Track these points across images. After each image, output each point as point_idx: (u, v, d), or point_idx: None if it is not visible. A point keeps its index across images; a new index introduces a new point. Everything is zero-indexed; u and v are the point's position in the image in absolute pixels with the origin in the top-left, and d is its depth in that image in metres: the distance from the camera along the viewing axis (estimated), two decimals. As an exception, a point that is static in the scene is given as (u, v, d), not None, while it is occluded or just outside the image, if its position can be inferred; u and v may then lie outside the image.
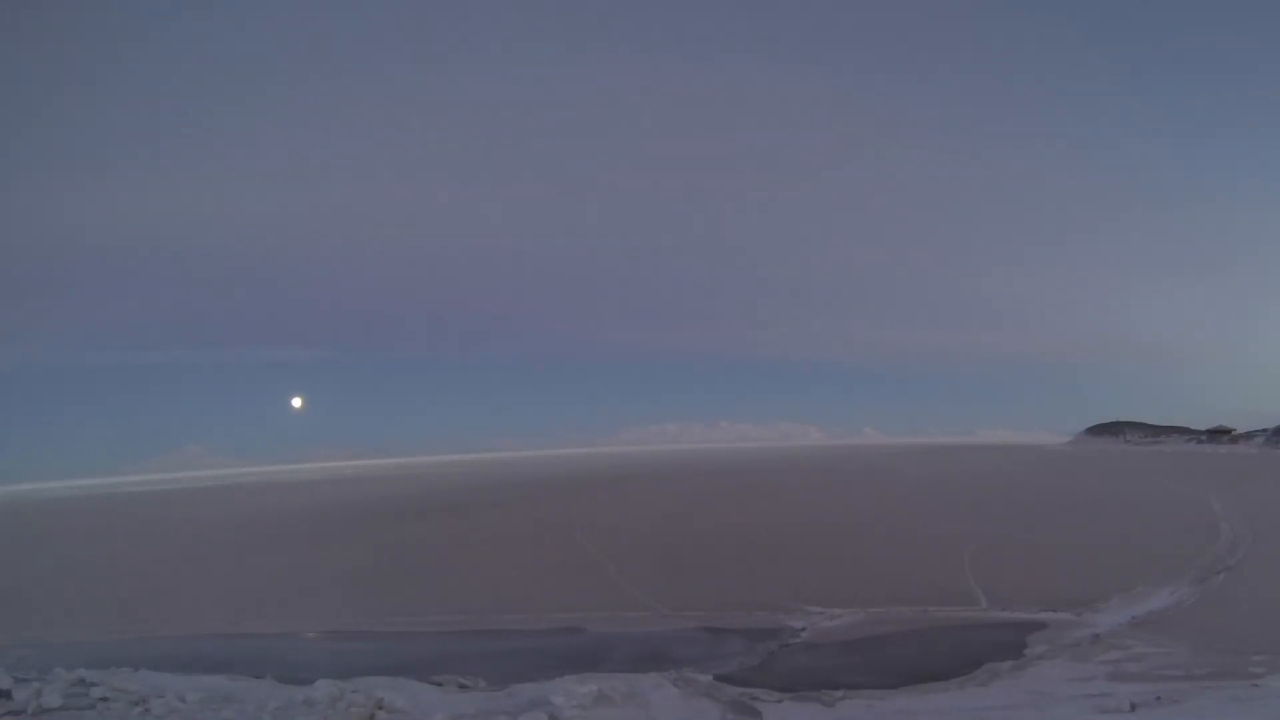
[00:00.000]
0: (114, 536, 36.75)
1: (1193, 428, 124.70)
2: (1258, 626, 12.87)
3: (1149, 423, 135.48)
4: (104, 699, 9.73)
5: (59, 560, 28.45)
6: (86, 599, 19.74)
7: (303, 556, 25.34)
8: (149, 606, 18.13)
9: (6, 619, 17.24)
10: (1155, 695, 9.35)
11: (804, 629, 13.75)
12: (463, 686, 10.79)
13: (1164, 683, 10.02)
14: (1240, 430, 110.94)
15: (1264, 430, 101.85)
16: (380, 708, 9.47)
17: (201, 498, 66.66)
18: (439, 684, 10.85)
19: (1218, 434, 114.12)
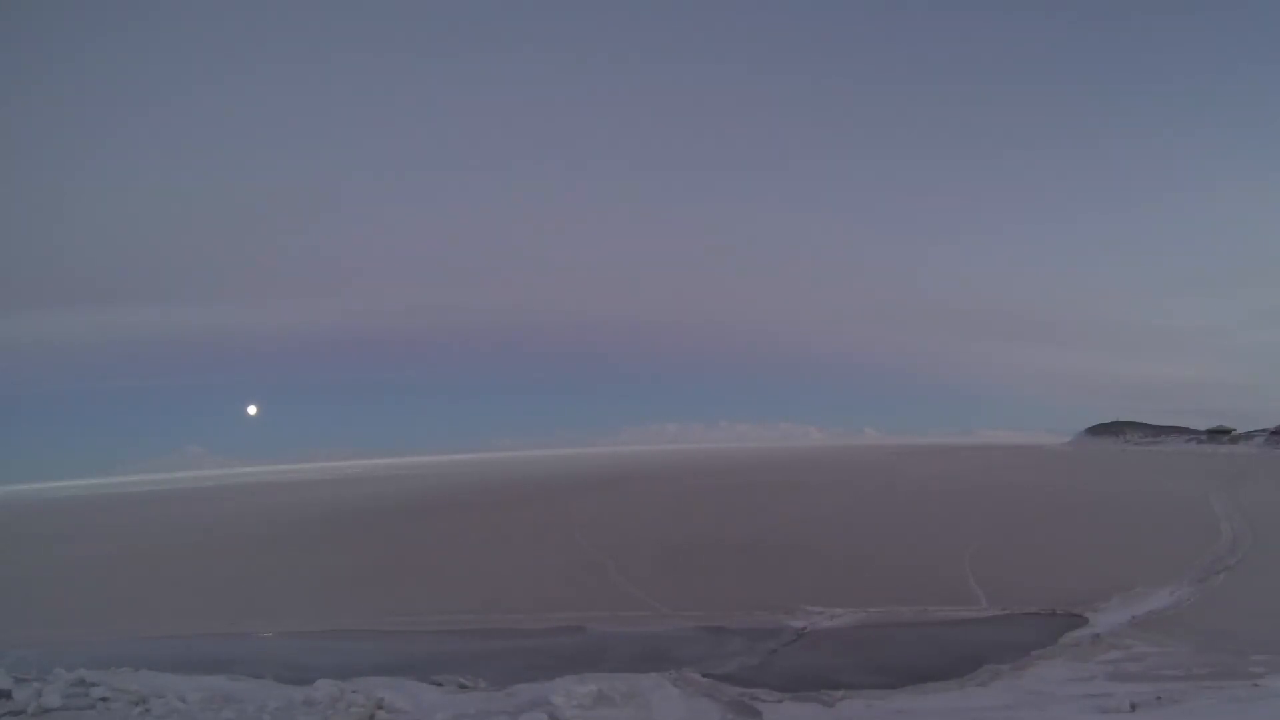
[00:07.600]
0: (114, 536, 36.73)
1: (1193, 428, 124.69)
2: (1258, 626, 12.87)
3: (1149, 423, 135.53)
4: (104, 699, 9.75)
5: (59, 560, 28.45)
6: (86, 599, 19.75)
7: (303, 556, 25.37)
8: (149, 606, 18.14)
9: (6, 619, 17.25)
10: (1155, 695, 9.36)
11: (804, 629, 13.76)
12: (463, 686, 10.81)
13: (1164, 683, 10.03)
14: (1240, 430, 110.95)
15: (1264, 430, 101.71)
16: (380, 708, 9.49)
17: (202, 498, 66.65)
18: (439, 684, 10.87)
19: (1218, 434, 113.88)
